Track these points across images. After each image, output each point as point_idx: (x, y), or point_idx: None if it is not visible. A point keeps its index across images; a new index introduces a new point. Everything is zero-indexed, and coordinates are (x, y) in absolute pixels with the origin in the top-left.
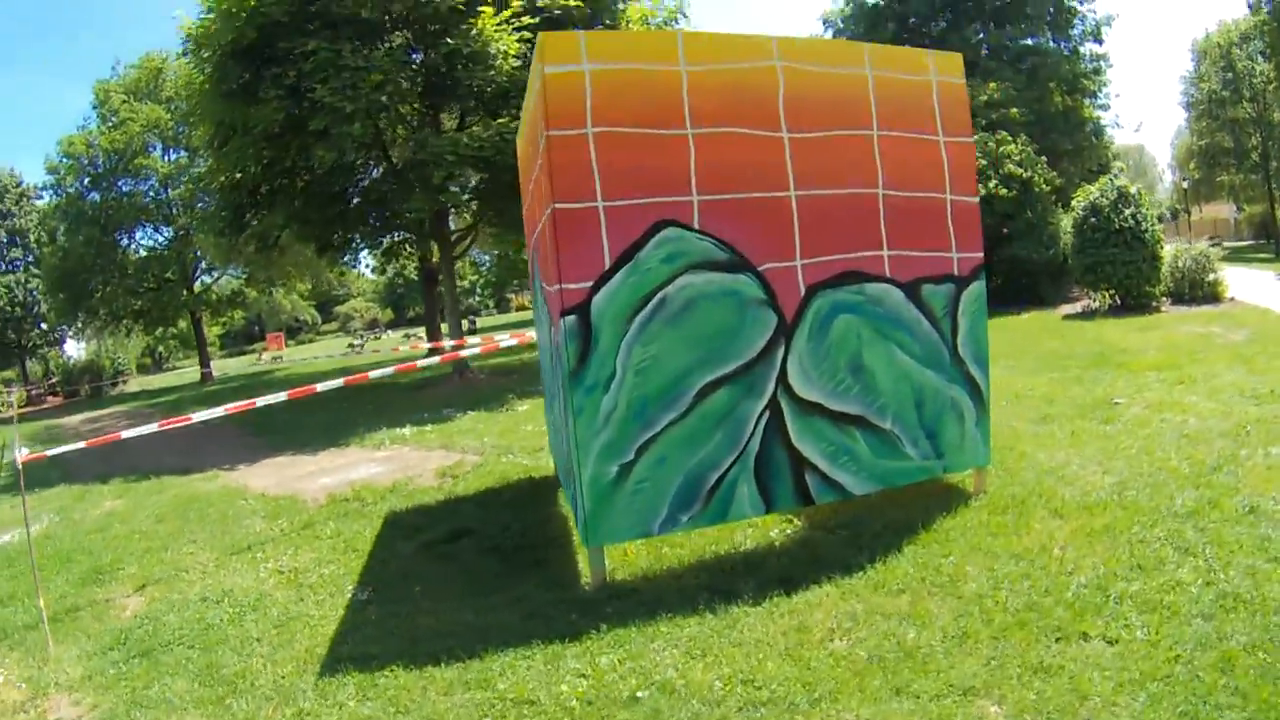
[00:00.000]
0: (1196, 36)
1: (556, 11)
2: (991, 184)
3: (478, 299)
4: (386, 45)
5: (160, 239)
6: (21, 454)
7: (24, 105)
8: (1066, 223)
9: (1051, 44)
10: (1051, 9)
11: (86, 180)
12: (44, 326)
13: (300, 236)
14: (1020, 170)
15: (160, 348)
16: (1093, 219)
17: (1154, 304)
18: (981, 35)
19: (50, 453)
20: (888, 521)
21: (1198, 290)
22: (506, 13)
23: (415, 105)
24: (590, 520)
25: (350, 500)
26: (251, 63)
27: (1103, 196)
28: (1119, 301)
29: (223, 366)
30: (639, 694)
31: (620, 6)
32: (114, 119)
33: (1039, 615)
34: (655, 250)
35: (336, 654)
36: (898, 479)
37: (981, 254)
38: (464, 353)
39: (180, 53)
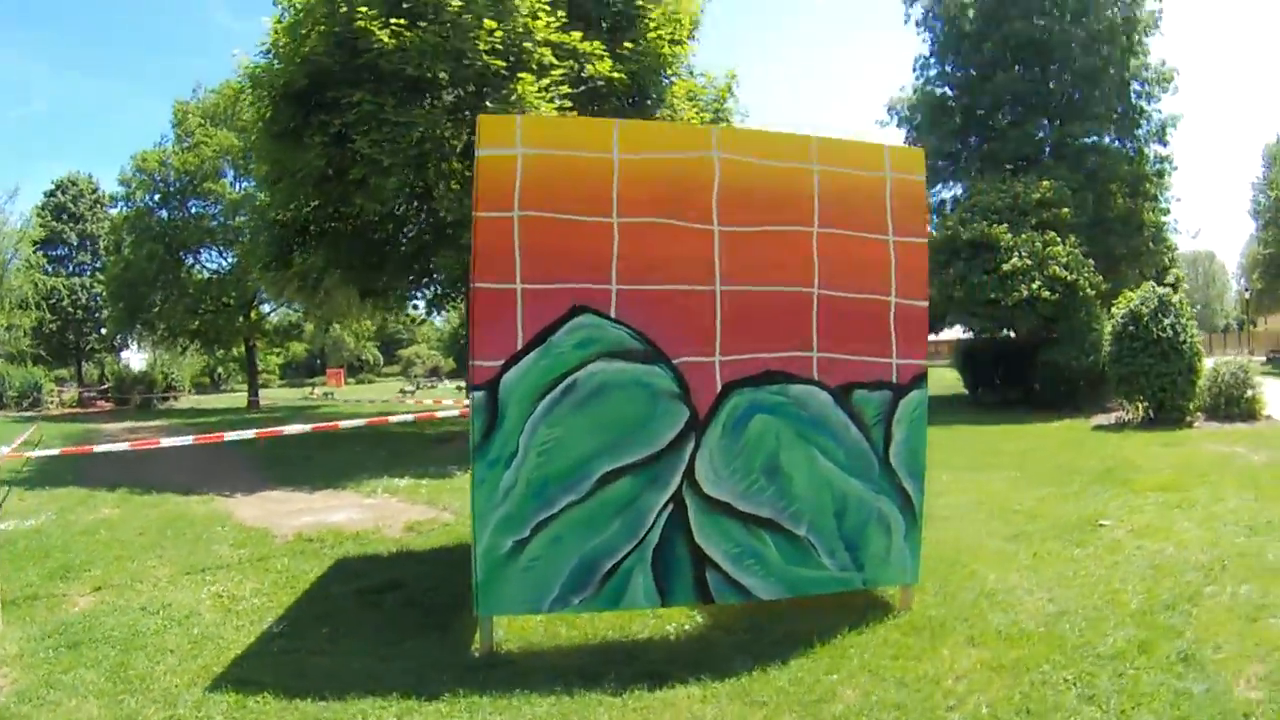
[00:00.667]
0: (1269, 141)
1: (599, 83)
2: (1035, 285)
3: None
4: (431, 103)
5: (224, 263)
6: (2, 451)
7: (109, 113)
8: (1109, 329)
9: (1115, 144)
10: (1120, 107)
11: (157, 196)
12: (103, 332)
13: (343, 280)
14: (1066, 273)
15: (220, 369)
16: (1131, 327)
17: (1187, 419)
18: (1043, 132)
19: (30, 454)
20: (791, 629)
21: (1234, 406)
22: (546, 80)
23: (456, 164)
24: (481, 590)
25: (313, 541)
26: (301, 107)
27: (1143, 304)
28: (1152, 414)
29: (277, 396)
30: None
31: (668, 82)
32: (189, 140)
33: None
34: (569, 335)
35: (227, 674)
36: (810, 588)
37: (924, 362)
38: None
39: (238, 89)
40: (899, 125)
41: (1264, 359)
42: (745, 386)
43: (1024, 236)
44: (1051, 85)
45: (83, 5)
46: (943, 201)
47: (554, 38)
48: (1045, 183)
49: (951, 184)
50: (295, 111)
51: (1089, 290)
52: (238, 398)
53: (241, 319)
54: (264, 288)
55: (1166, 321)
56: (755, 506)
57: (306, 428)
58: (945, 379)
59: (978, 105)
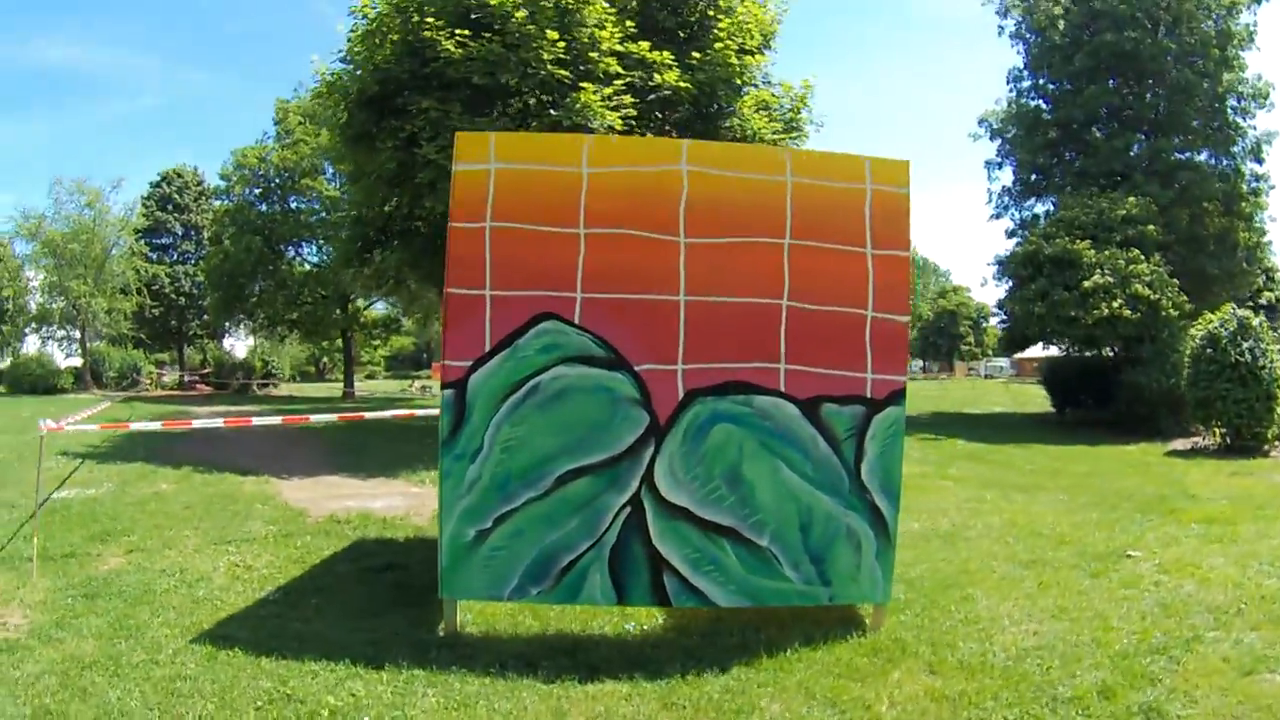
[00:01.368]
0: None
1: (666, 92)
2: (1116, 304)
3: None
4: (498, 112)
5: (324, 257)
6: (46, 425)
7: (220, 106)
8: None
9: (1209, 160)
10: (1215, 123)
11: (258, 191)
12: (205, 319)
13: (418, 279)
14: (1148, 292)
15: (325, 359)
16: (1209, 350)
17: (1264, 447)
18: (1136, 147)
19: (70, 428)
20: (749, 639)
21: None
22: (609, 90)
23: None
24: (445, 574)
25: (341, 522)
26: (374, 112)
27: (1222, 327)
28: (1229, 441)
29: (376, 387)
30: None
31: (744, 94)
32: (289, 138)
33: None
34: (534, 340)
35: (212, 631)
36: (772, 599)
37: (904, 378)
38: None
39: (316, 93)
40: (991, 138)
41: None
42: (708, 395)
43: (1107, 253)
44: (1147, 98)
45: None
46: (1036, 216)
47: (620, 48)
48: (1131, 199)
49: (1045, 198)
50: (369, 117)
51: (1172, 310)
52: (336, 387)
53: (339, 311)
54: (346, 283)
55: (1245, 345)
56: (715, 514)
57: (386, 415)
58: (1033, 397)
59: (1070, 119)
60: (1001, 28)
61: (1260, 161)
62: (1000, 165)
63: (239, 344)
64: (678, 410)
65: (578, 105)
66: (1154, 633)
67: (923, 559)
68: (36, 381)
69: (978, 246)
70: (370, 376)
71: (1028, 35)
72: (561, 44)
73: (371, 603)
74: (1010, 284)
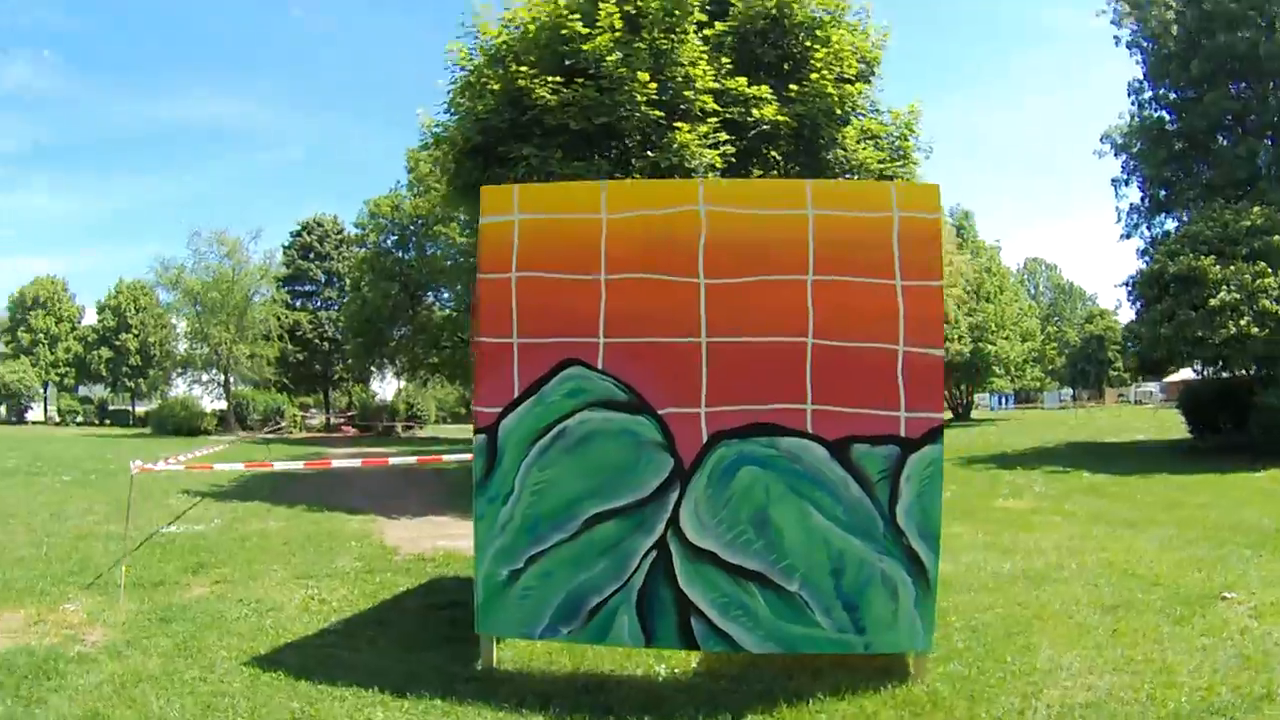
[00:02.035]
0: None
1: (765, 126)
2: (1244, 321)
3: None
4: (598, 155)
5: (460, 301)
6: (136, 465)
7: (361, 155)
8: None
9: None
10: None
11: (394, 238)
12: (349, 363)
13: None
14: (1277, 307)
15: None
16: None
17: None
18: (1263, 155)
19: (153, 467)
20: (772, 687)
21: None
22: (704, 128)
23: None
24: (480, 611)
25: (425, 560)
26: (480, 161)
27: None
28: None
29: None
30: None
31: (846, 124)
32: (420, 186)
33: None
34: (559, 385)
35: (265, 656)
36: (803, 646)
37: (940, 415)
38: None
39: (422, 145)
40: (1115, 154)
41: None
42: (733, 438)
43: (1233, 268)
44: (1269, 101)
45: (335, 52)
46: (1167, 233)
47: (714, 85)
48: (1256, 209)
49: (1174, 214)
50: (474, 165)
51: None
52: None
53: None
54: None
55: None
56: (742, 558)
57: None
58: (1178, 423)
59: (1194, 129)
60: (1117, 38)
61: None
62: (1126, 182)
63: (385, 387)
64: (702, 453)
65: (675, 145)
66: (1220, 689)
67: (1000, 603)
68: (180, 424)
69: (1122, 268)
70: None
71: (1144, 43)
72: (654, 85)
73: (424, 637)
74: (1137, 306)
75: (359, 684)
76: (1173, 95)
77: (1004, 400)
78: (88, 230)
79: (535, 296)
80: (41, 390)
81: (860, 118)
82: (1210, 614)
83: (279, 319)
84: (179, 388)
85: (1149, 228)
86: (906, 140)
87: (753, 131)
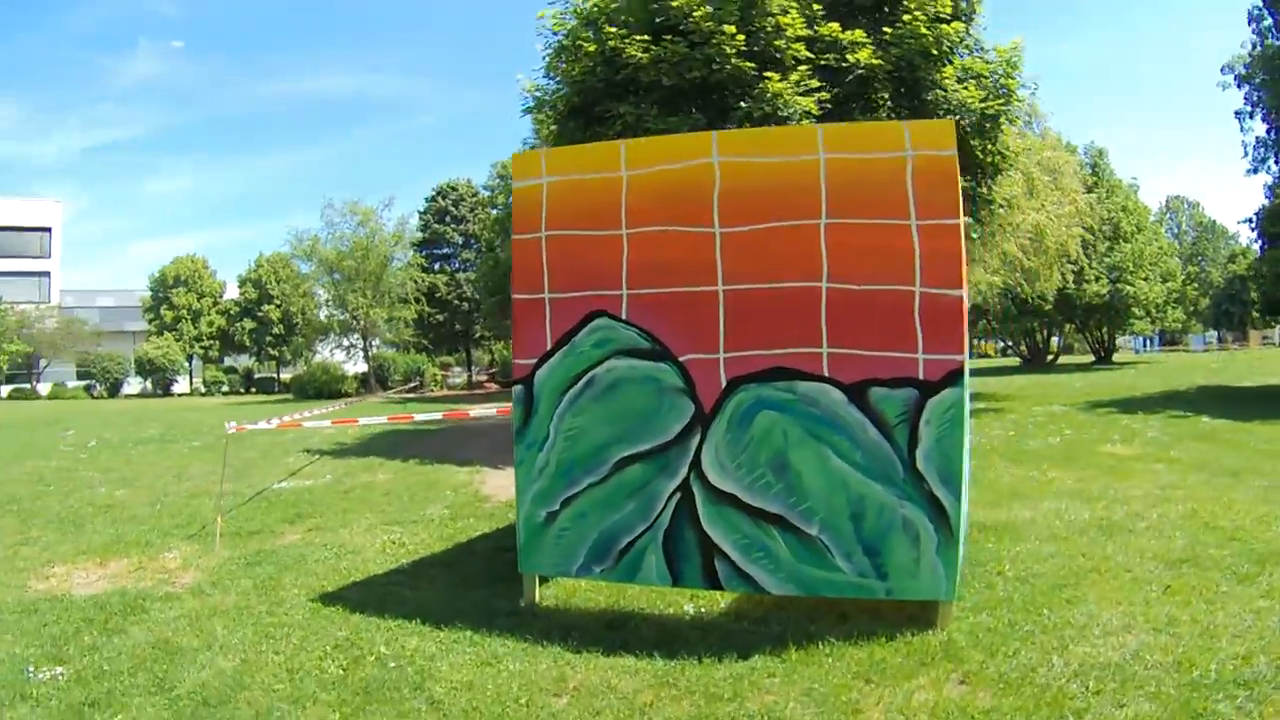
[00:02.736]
0: None
1: (860, 70)
2: None
3: None
4: (692, 110)
5: None
6: (232, 426)
7: (492, 121)
8: None
9: None
10: None
11: None
12: (486, 320)
13: None
14: None
15: None
16: None
17: None
18: None
19: (248, 426)
20: (788, 629)
21: None
22: (795, 76)
23: None
24: (522, 551)
25: (509, 508)
26: (580, 122)
27: None
28: None
29: None
30: (395, 665)
31: (944, 65)
32: (544, 146)
33: None
34: (588, 336)
35: (333, 592)
36: (824, 589)
37: (961, 357)
38: None
39: (525, 109)
40: (1238, 86)
41: None
42: (751, 383)
43: None
44: None
45: (466, 21)
46: None
47: (805, 32)
48: None
49: None
50: (576, 126)
51: None
52: None
53: None
54: None
55: None
56: (763, 501)
57: None
58: None
59: None
60: None
61: None
62: (1251, 115)
63: None
64: (721, 398)
65: (768, 95)
66: (1259, 659)
67: (1062, 553)
68: (321, 387)
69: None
70: None
71: None
72: (741, 37)
73: (482, 577)
74: (1261, 243)
75: (404, 616)
76: None
77: (1148, 343)
78: (226, 208)
79: (563, 254)
80: (186, 364)
81: (963, 56)
82: (1279, 574)
83: (415, 282)
84: (322, 353)
85: (1277, 162)
86: (1010, 78)
87: (849, 77)
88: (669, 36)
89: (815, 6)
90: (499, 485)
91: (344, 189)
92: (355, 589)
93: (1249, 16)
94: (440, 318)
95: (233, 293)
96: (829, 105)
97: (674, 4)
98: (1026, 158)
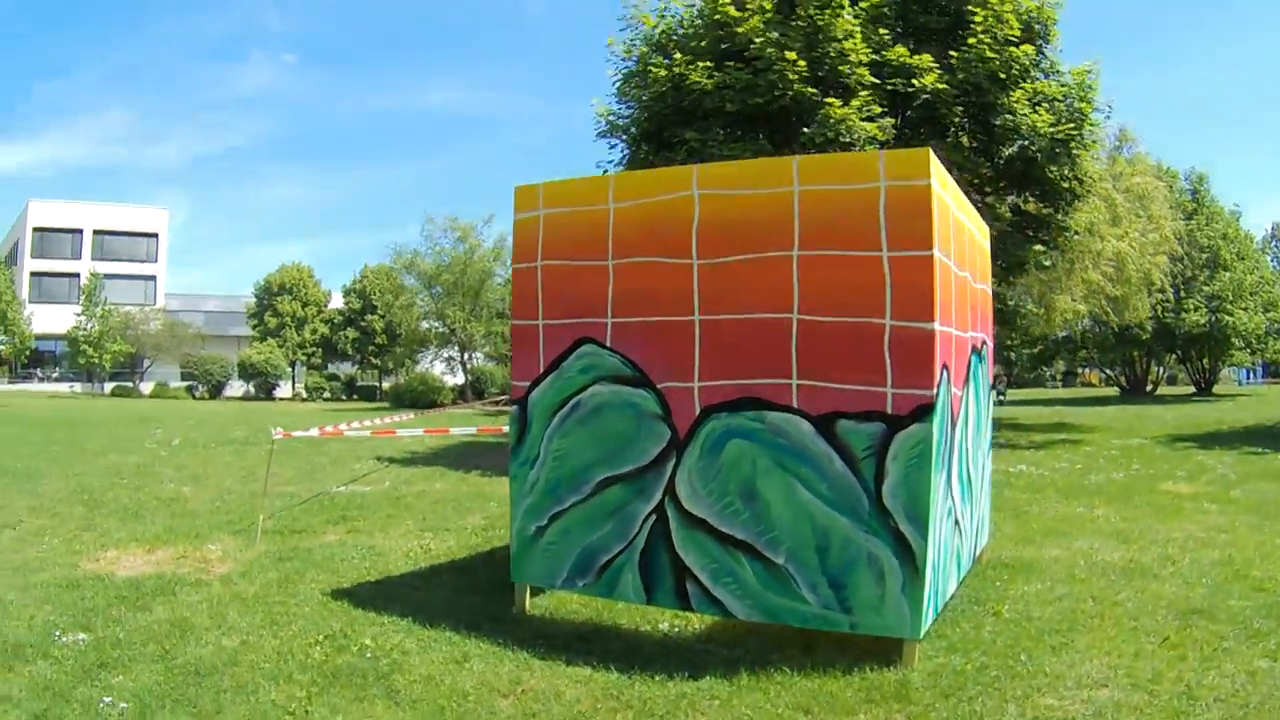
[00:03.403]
0: None
1: (926, 95)
2: None
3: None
4: (758, 136)
5: None
6: (278, 433)
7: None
8: None
9: None
10: None
11: None
12: None
13: None
14: None
15: None
16: None
17: None
18: None
19: (295, 434)
20: (753, 655)
21: None
22: (856, 101)
23: None
24: (514, 562)
25: None
26: (651, 146)
27: None
28: None
29: None
30: (371, 656)
31: (1014, 90)
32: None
33: None
34: (575, 361)
35: (347, 590)
36: (789, 618)
37: (930, 392)
38: None
39: (599, 133)
40: None
41: None
42: (722, 411)
43: None
44: None
45: (568, 39)
46: None
47: (870, 57)
48: None
49: None
50: (648, 151)
51: None
52: None
53: None
54: None
55: None
56: (731, 528)
57: None
58: None
59: None
60: None
61: None
62: None
63: None
64: (695, 425)
65: (831, 120)
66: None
67: (1071, 595)
68: (418, 397)
69: None
70: None
71: None
72: (803, 63)
73: (487, 584)
74: None
75: (400, 615)
76: None
77: (1250, 374)
78: (330, 218)
79: (556, 283)
80: (289, 369)
81: (1036, 80)
82: None
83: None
84: (424, 364)
85: None
86: (1085, 101)
87: (916, 102)
88: (733, 63)
89: (882, 31)
90: None
91: (446, 203)
92: (367, 587)
93: None
94: None
95: (337, 301)
96: (896, 130)
97: (739, 30)
98: (1111, 184)
